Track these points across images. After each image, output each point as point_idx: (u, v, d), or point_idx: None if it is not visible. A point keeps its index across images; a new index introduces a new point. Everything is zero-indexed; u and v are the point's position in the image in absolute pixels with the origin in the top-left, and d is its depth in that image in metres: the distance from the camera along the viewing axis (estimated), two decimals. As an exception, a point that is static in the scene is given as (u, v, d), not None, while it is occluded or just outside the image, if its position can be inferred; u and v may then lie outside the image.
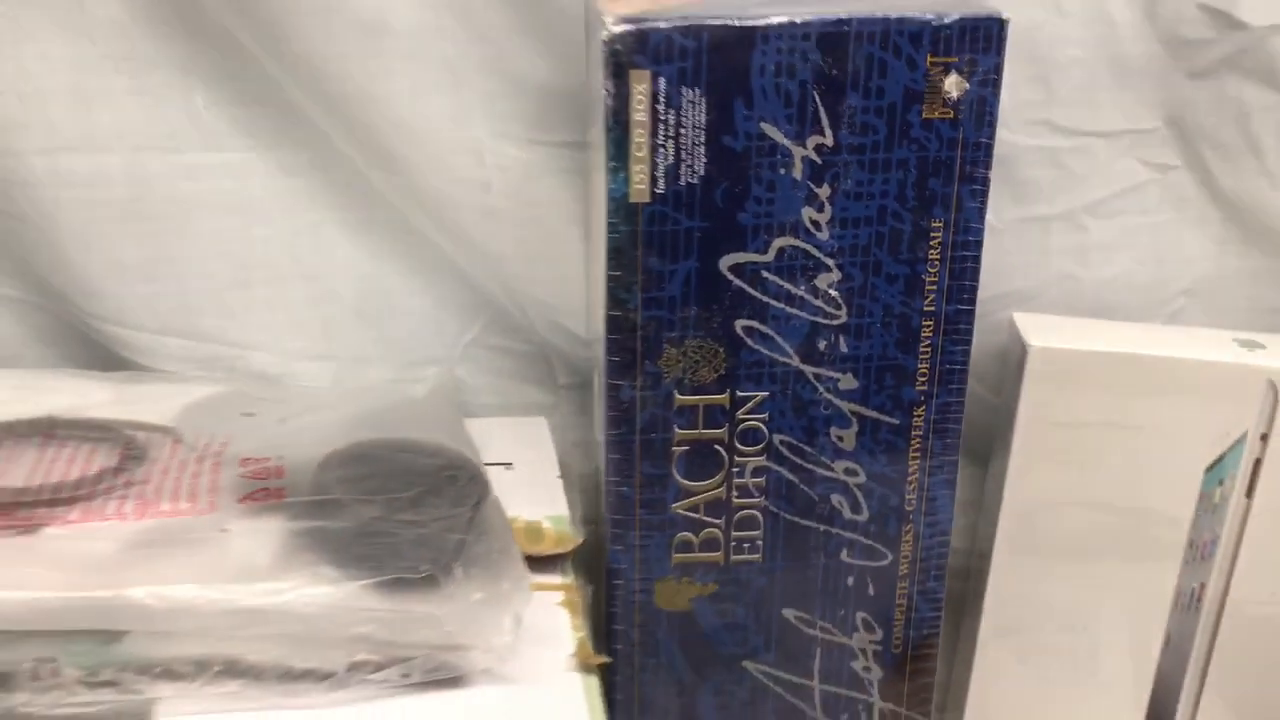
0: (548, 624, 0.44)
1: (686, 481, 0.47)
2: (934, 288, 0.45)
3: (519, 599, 0.42)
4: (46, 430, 0.48)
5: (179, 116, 0.52)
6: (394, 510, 0.43)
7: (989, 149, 0.43)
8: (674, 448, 0.46)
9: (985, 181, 0.44)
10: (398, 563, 0.40)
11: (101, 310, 0.54)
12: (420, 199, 0.53)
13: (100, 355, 0.56)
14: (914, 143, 0.43)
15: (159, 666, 0.38)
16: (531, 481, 0.51)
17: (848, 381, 0.46)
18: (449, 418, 0.52)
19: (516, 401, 0.59)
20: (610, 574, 0.48)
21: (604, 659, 0.43)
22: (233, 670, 0.38)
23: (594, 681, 0.42)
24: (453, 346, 0.58)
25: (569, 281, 0.55)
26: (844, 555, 0.49)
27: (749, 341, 0.45)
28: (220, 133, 0.53)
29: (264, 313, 0.56)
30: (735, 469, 0.47)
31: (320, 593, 0.39)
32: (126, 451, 0.47)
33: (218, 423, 0.50)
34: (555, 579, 0.47)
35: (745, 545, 0.48)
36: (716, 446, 0.47)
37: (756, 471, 0.47)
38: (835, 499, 0.48)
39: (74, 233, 0.53)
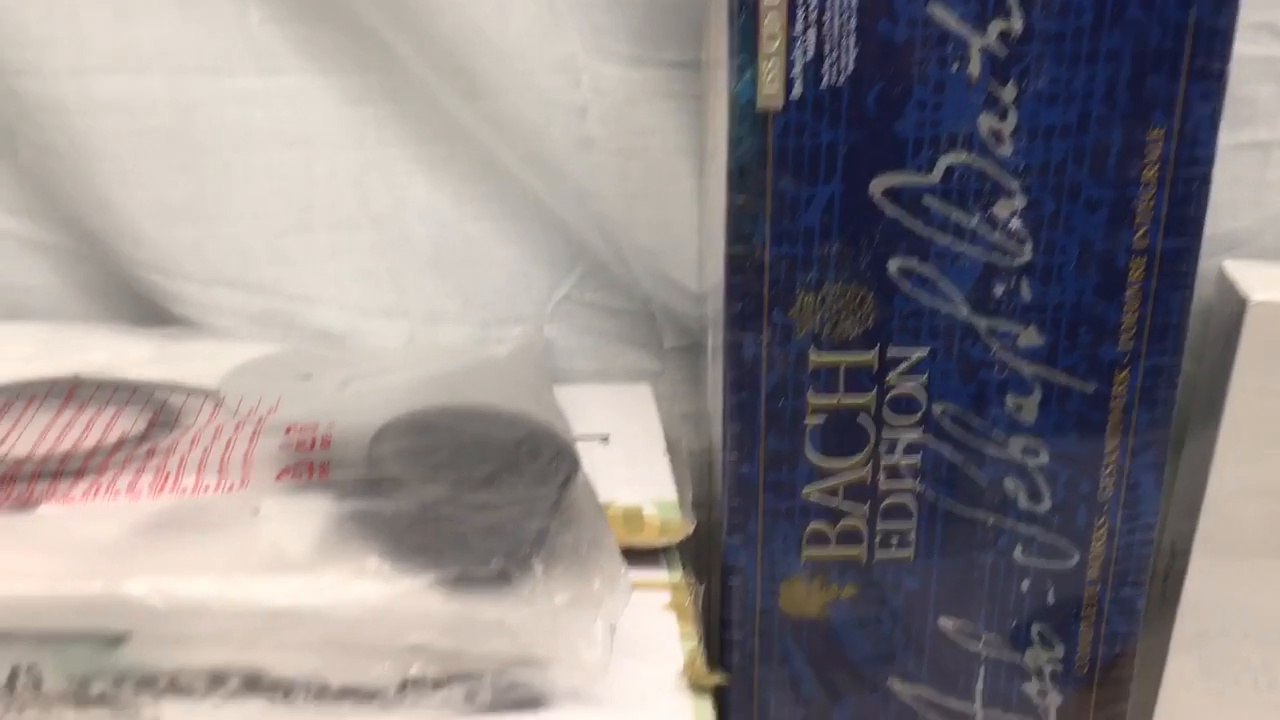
0: (649, 632, 0.36)
1: (822, 460, 0.38)
2: (1147, 218, 0.36)
3: (614, 602, 0.33)
4: (69, 391, 0.41)
5: (230, 34, 0.46)
6: (461, 491, 0.35)
7: (1228, 36, 0.34)
8: (807, 418, 0.38)
9: (1222, 78, 0.34)
10: (464, 556, 0.32)
11: (144, 257, 0.49)
12: (505, 128, 0.47)
13: (145, 309, 0.50)
14: (1129, 27, 0.34)
15: (164, 679, 0.31)
16: (632, 459, 0.44)
17: (1030, 337, 0.37)
18: (535, 383, 0.44)
19: (615, 367, 0.52)
20: (726, 572, 0.40)
21: (718, 678, 0.35)
22: (255, 685, 0.31)
23: (706, 705, 0.34)
24: (542, 303, 0.51)
25: (679, 224, 0.48)
26: (1018, 553, 0.40)
27: (905, 286, 0.36)
28: (276, 53, 0.47)
29: (326, 262, 0.50)
30: (883, 445, 0.38)
31: (367, 591, 0.31)
32: (156, 417, 0.40)
33: (267, 385, 0.42)
34: (660, 576, 0.39)
35: (893, 539, 0.39)
36: (860, 417, 0.38)
37: (910, 449, 0.38)
38: (1009, 484, 0.39)
39: (111, 167, 0.47)
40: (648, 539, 0.39)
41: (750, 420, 0.38)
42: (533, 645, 0.32)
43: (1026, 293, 0.36)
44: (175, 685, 0.31)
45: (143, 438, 0.38)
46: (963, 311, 0.37)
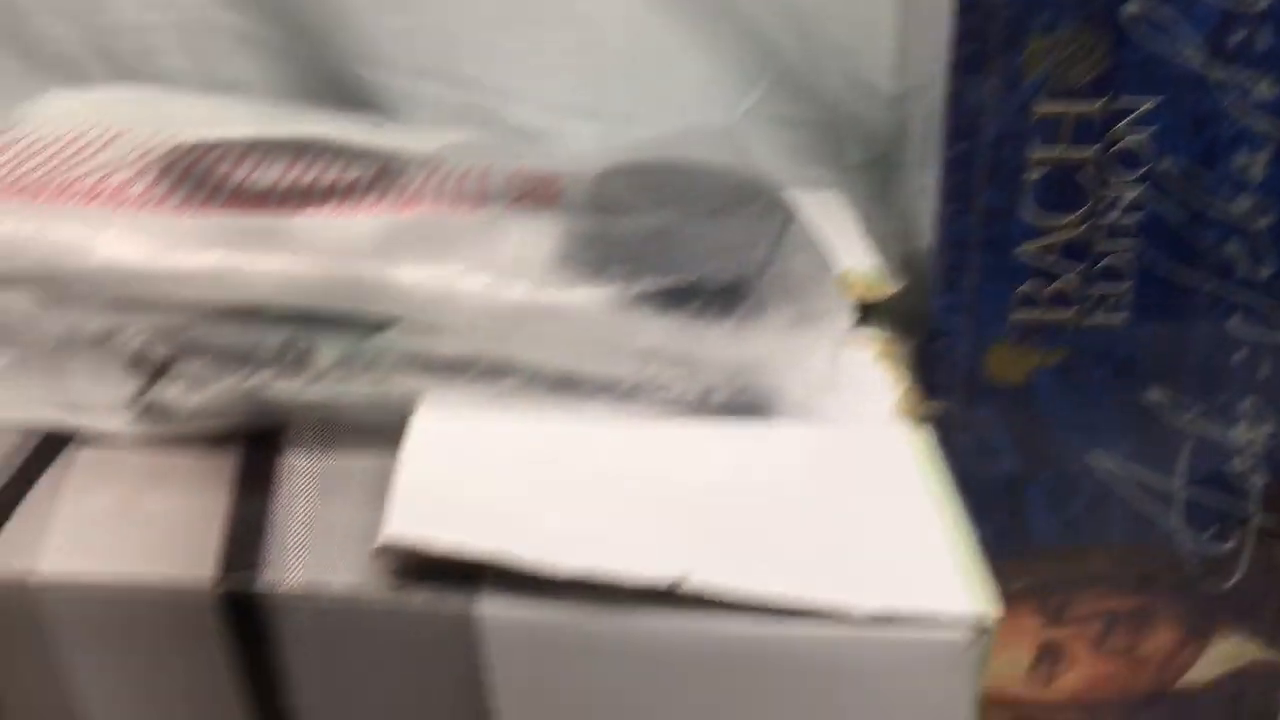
0: (862, 375, 0.37)
1: (1040, 217, 0.38)
2: (1399, -45, 0.35)
3: (836, 323, 0.34)
4: (296, 149, 0.43)
5: None
6: (689, 218, 0.36)
7: None
8: (1028, 172, 0.38)
9: None
10: (698, 267, 0.33)
11: (354, 48, 0.50)
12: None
13: (351, 105, 0.51)
14: None
15: (422, 360, 0.32)
16: (830, 242, 0.43)
17: (1264, 89, 0.36)
18: (736, 158, 0.44)
19: (796, 183, 0.51)
20: (932, 335, 0.40)
21: (935, 406, 0.35)
22: (505, 370, 0.32)
23: (925, 436, 0.34)
24: (730, 112, 0.51)
25: (880, 21, 0.47)
26: (1234, 323, 0.39)
27: (1140, 30, 0.36)
28: None
29: (527, 58, 0.50)
30: (1103, 202, 0.38)
31: (607, 294, 0.32)
32: (384, 168, 0.41)
33: (482, 155, 0.44)
34: (867, 333, 0.39)
35: (1106, 302, 0.39)
36: (1082, 172, 0.37)
37: (1131, 206, 0.38)
38: (1230, 248, 0.38)
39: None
40: (854, 297, 0.39)
41: (969, 173, 0.38)
42: (762, 355, 0.33)
43: (1264, 41, 0.36)
44: (433, 365, 0.32)
45: (375, 179, 0.40)
46: (1197, 60, 0.36)
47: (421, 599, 0.28)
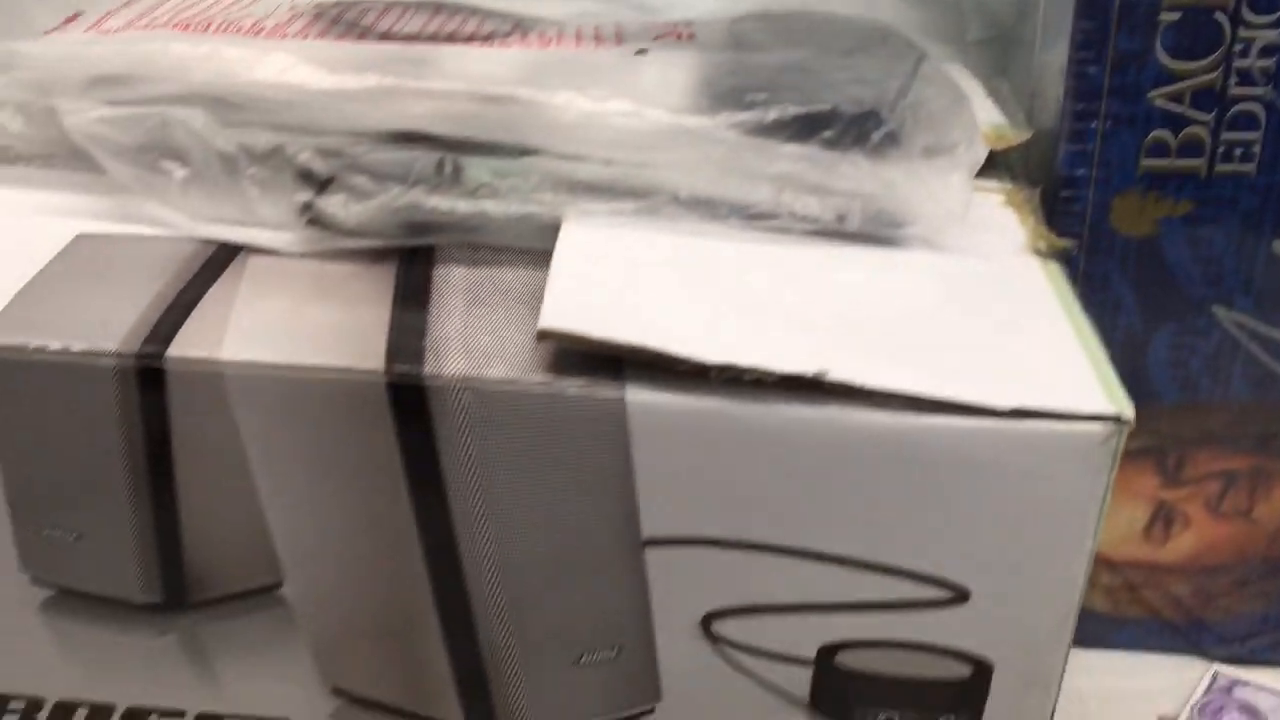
0: (991, 216, 0.37)
1: (1172, 62, 0.38)
2: None
3: (971, 154, 0.35)
4: (435, 7, 0.44)
5: None
6: (824, 54, 0.37)
7: None
8: (1162, 15, 0.38)
9: None
10: (833, 95, 0.34)
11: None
12: None
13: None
14: None
15: (566, 181, 0.33)
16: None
17: None
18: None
19: None
20: (1059, 184, 0.40)
21: (1065, 243, 0.36)
22: (645, 192, 0.34)
23: (1055, 266, 0.35)
24: None
25: None
26: (1367, 171, 0.39)
27: None
28: None
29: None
30: (1238, 46, 0.38)
31: (743, 120, 0.33)
32: (520, 23, 0.42)
33: (612, 17, 0.45)
34: (992, 183, 0.39)
35: (1237, 151, 0.39)
36: (1218, 14, 0.37)
37: (1266, 50, 0.38)
38: (1367, 92, 0.38)
39: None
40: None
41: (1102, 17, 0.38)
42: (892, 184, 0.34)
43: None
44: (578, 186, 0.34)
45: (513, 29, 0.41)
46: (1340, -104, 0.36)
47: (575, 386, 0.29)
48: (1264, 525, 0.46)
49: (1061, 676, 0.32)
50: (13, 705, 0.35)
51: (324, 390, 0.30)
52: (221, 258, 0.33)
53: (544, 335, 0.29)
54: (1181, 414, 0.44)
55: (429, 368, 0.30)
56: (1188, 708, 0.44)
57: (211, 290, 0.32)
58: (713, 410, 0.29)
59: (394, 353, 0.30)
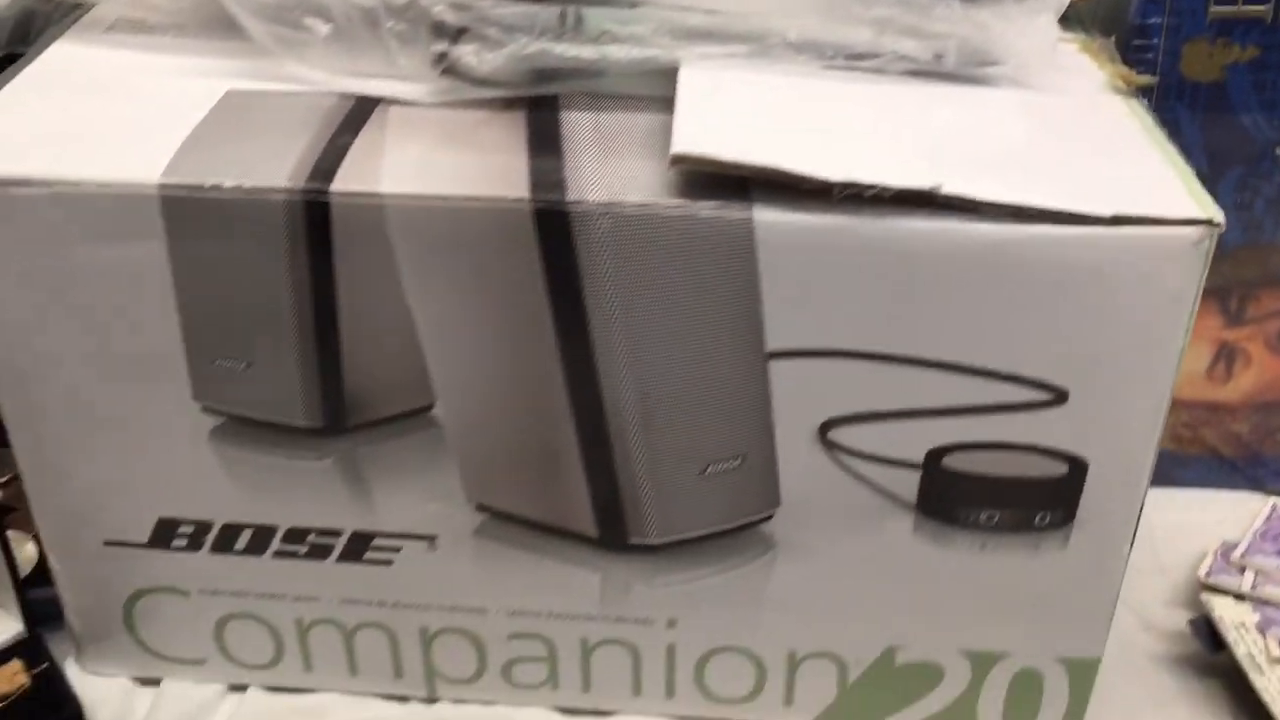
0: (1073, 61, 0.40)
1: (1243, -91, 0.40)
2: None
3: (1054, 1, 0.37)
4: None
5: None
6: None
7: None
8: None
9: None
10: (929, -56, 0.36)
11: None
12: None
13: None
14: None
15: (680, 29, 0.36)
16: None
17: None
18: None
19: None
20: (1133, 33, 0.43)
21: (1145, 79, 0.38)
22: (753, 37, 0.36)
23: (1136, 102, 0.37)
24: None
25: None
26: None
27: None
28: None
29: None
30: (1307, -109, 0.40)
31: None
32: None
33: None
34: (1068, 35, 0.42)
35: (1304, -5, 0.41)
36: None
37: (1333, -105, 0.40)
38: None
39: None
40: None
41: None
42: (987, 25, 0.36)
43: None
44: (691, 32, 0.36)
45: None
46: None
47: (706, 208, 0.32)
48: (1322, 362, 0.48)
49: (1150, 476, 0.35)
50: (182, 529, 0.39)
51: (476, 219, 0.33)
52: (363, 109, 0.36)
53: (677, 160, 0.32)
54: (1245, 256, 0.46)
55: (571, 195, 0.32)
56: (1249, 534, 0.47)
57: (359, 138, 0.35)
58: (834, 226, 0.32)
59: (537, 185, 0.33)
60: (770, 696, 0.41)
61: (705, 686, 0.41)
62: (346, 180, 0.33)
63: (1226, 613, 0.43)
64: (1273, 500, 0.50)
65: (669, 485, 0.36)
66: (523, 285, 0.33)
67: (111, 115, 0.36)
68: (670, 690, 0.41)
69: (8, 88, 0.37)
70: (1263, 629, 0.42)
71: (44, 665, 0.42)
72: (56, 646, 0.43)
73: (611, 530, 0.37)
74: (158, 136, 0.34)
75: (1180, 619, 0.44)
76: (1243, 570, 0.44)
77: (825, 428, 0.35)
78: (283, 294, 0.34)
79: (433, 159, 0.34)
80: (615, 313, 0.33)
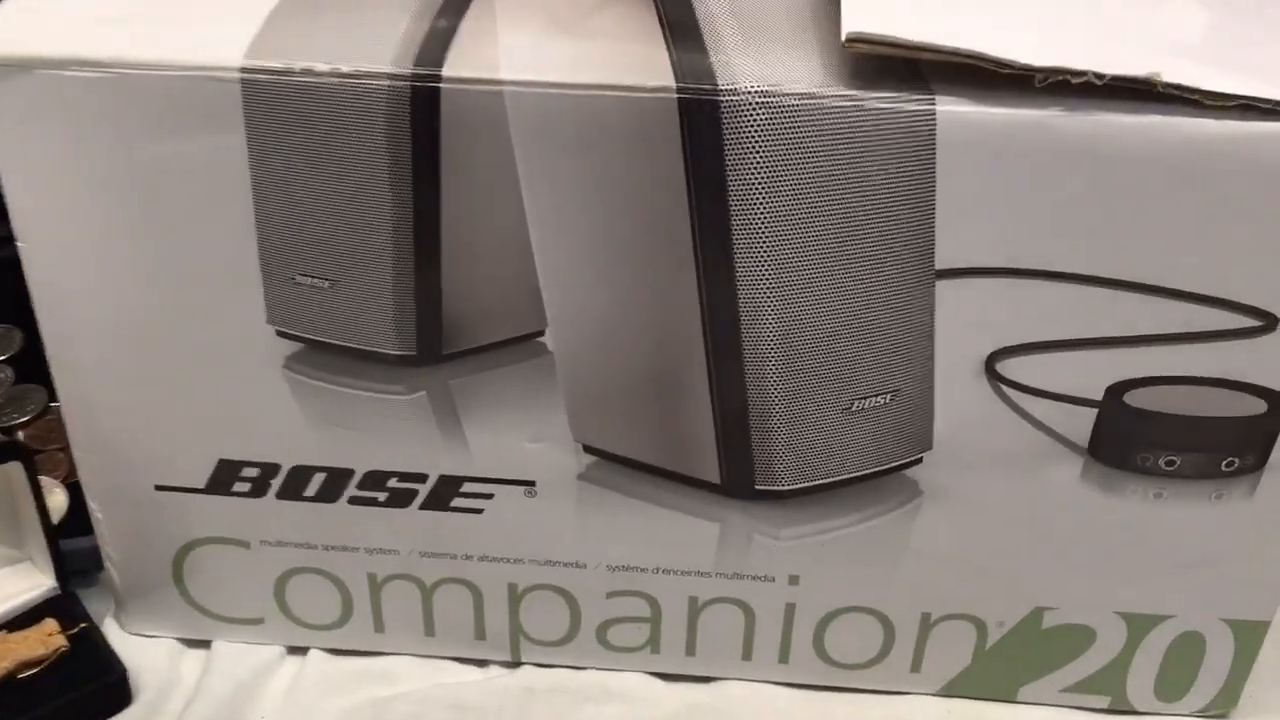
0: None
1: None
2: None
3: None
4: None
5: None
6: None
7: None
8: None
9: None
10: None
11: None
12: None
13: None
14: None
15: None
16: None
17: None
18: None
19: None
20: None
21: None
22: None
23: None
24: None
25: None
26: None
27: None
28: None
29: None
30: None
31: None
32: None
33: None
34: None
35: None
36: None
37: None
38: None
39: None
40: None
41: None
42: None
43: None
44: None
45: None
46: None
47: (879, 98, 0.28)
48: None
49: (1354, 413, 0.31)
50: (246, 472, 0.34)
51: (611, 111, 0.28)
52: (465, -11, 0.31)
53: (852, 41, 0.27)
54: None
55: (722, 83, 0.28)
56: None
57: (465, 21, 0.30)
58: (1033, 121, 0.27)
59: (682, 72, 0.28)
60: (896, 662, 0.37)
61: (824, 650, 0.37)
62: (460, 65, 0.28)
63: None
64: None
65: (808, 423, 0.32)
66: (660, 188, 0.29)
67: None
68: (784, 654, 0.37)
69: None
70: None
71: (82, 625, 0.37)
72: (92, 605, 0.38)
73: (737, 475, 0.33)
74: (236, 14, 0.30)
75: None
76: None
77: (993, 359, 0.31)
78: (379, 199, 0.30)
79: (551, 45, 0.29)
80: (765, 220, 0.29)
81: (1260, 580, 0.34)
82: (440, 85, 0.28)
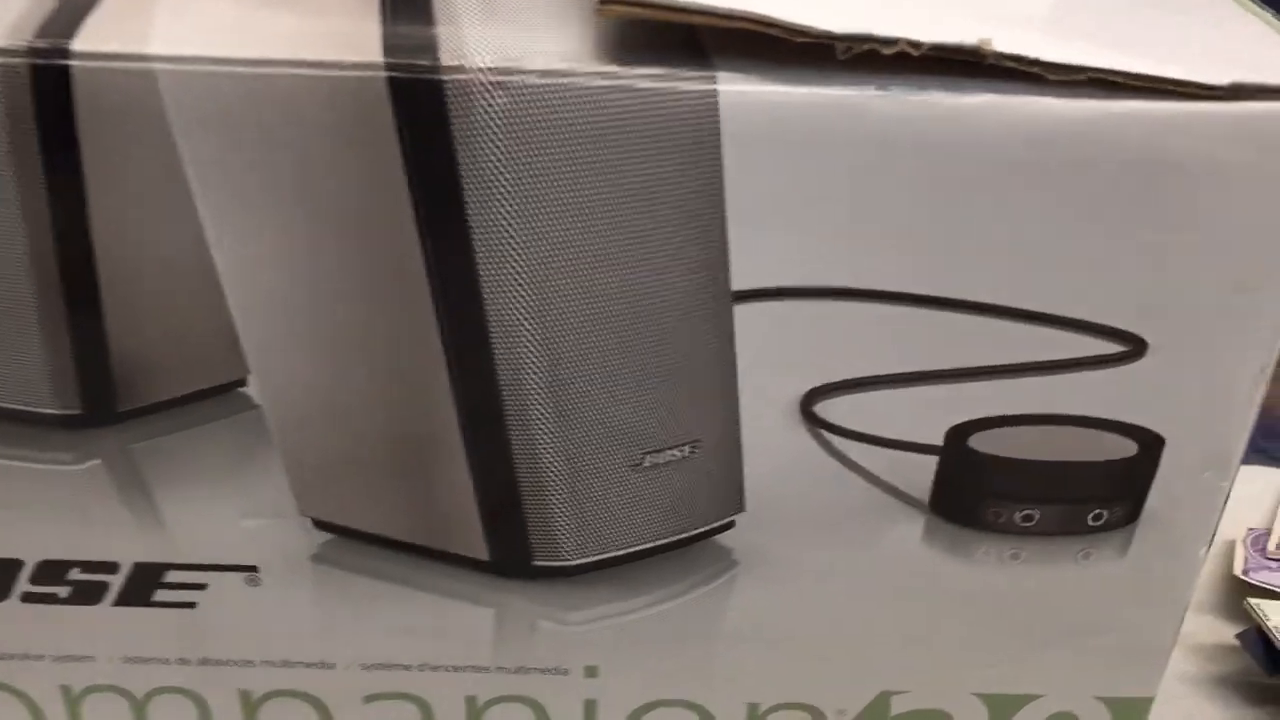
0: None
1: None
2: None
3: None
4: None
5: None
6: None
7: None
8: None
9: None
10: None
11: None
12: None
13: None
14: None
15: None
16: None
17: None
18: None
19: None
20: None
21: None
22: None
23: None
24: None
25: None
26: None
27: None
28: None
29: None
30: None
31: None
32: None
33: None
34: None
35: None
36: None
37: None
38: None
39: None
40: None
41: None
42: None
43: None
44: None
45: None
46: None
47: (648, 77, 0.22)
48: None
49: (1241, 456, 0.26)
50: (-119, 569, 0.27)
51: (301, 94, 0.22)
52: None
53: (605, 3, 0.21)
54: None
55: (446, 58, 0.22)
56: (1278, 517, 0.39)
57: (124, -18, 0.23)
58: (835, 102, 0.22)
59: (395, 49, 0.22)
60: (721, 761, 0.31)
61: (635, 751, 0.31)
62: (97, 38, 0.22)
63: None
64: (1290, 477, 0.42)
65: (589, 484, 0.26)
66: (376, 196, 0.23)
67: None
68: (587, 758, 0.31)
69: None
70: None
71: None
72: None
73: (510, 550, 0.26)
74: None
75: (1220, 630, 0.36)
76: (1282, 565, 0.36)
77: (809, 399, 0.25)
78: (3, 209, 0.23)
79: (233, 20, 0.23)
80: (513, 235, 0.23)
81: (1138, 650, 0.29)
82: (69, 63, 0.21)
